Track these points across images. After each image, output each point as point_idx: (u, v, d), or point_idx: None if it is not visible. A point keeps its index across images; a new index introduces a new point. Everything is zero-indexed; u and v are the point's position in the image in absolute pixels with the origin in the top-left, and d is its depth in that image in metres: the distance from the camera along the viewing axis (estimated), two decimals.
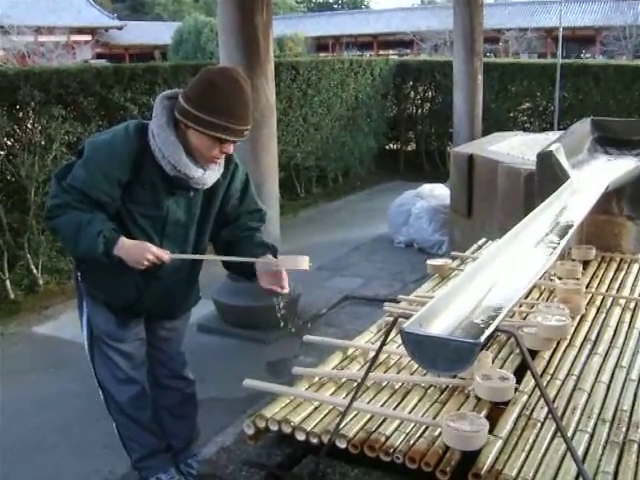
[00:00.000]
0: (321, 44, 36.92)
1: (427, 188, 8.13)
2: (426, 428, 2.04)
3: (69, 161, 2.91)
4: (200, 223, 2.94)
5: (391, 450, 1.93)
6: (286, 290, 2.82)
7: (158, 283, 2.92)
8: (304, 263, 2.76)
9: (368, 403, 2.20)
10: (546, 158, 3.61)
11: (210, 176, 2.79)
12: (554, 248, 2.40)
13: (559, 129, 9.24)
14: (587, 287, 3.16)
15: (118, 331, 3.04)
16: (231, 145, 2.70)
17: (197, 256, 2.95)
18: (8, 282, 6.09)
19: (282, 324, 4.76)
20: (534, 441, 1.96)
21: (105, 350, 3.06)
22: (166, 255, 2.75)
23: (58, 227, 2.75)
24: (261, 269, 2.82)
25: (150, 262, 2.71)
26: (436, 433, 1.99)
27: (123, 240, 2.71)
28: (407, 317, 1.68)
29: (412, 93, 12.62)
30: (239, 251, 2.92)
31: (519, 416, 2.09)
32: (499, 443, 1.93)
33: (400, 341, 2.48)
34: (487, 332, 1.59)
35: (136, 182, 2.72)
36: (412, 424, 2.06)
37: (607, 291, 3.17)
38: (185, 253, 2.89)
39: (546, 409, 2.08)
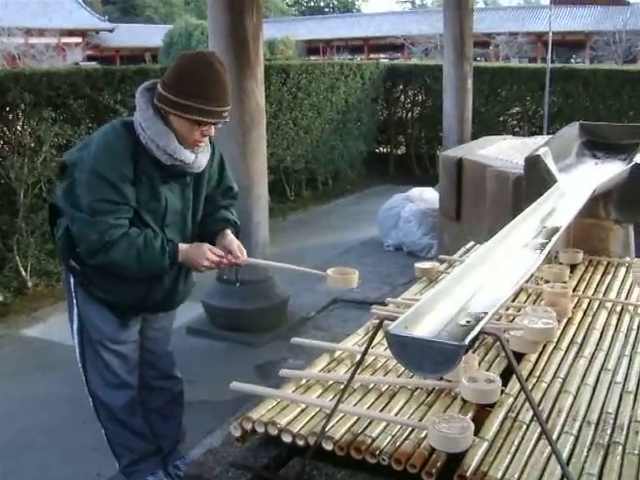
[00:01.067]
0: (312, 47, 36.99)
1: (416, 192, 8.15)
2: (412, 430, 2.04)
3: (63, 186, 2.84)
4: (194, 208, 2.99)
5: (377, 452, 1.94)
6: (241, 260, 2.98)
7: (168, 274, 2.94)
8: (353, 281, 2.84)
9: (354, 405, 2.20)
10: (534, 162, 3.62)
11: (202, 159, 2.86)
12: (541, 251, 2.41)
13: (548, 133, 9.26)
14: (574, 290, 3.17)
15: (119, 332, 3.05)
16: (211, 127, 2.74)
17: (266, 262, 2.99)
18: None
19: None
20: (519, 443, 1.97)
21: (102, 354, 3.05)
22: (224, 260, 2.84)
23: (116, 260, 2.70)
24: (220, 242, 2.96)
25: (207, 268, 2.82)
26: (422, 435, 1.99)
27: (181, 247, 2.77)
28: (393, 319, 1.68)
29: (402, 97, 12.65)
30: (201, 226, 3.03)
31: (505, 418, 2.10)
32: (485, 445, 1.94)
33: (387, 344, 2.49)
34: (472, 334, 1.60)
35: (135, 178, 2.73)
36: (398, 426, 2.07)
37: (594, 294, 3.18)
38: (185, 240, 2.92)
39: (532, 411, 2.08)
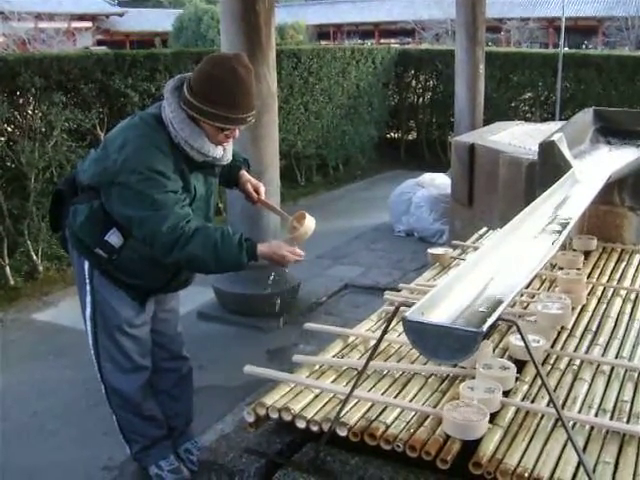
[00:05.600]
0: (323, 32, 36.84)
1: (428, 177, 8.11)
2: (427, 417, 2.03)
3: (110, 196, 2.74)
4: (214, 191, 3.05)
5: (391, 439, 1.93)
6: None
7: None
8: (312, 226, 2.91)
9: (369, 391, 2.20)
10: (548, 148, 3.60)
11: (229, 152, 2.94)
12: (557, 238, 2.39)
13: (560, 119, 9.21)
14: (588, 278, 3.15)
15: (137, 316, 3.08)
16: (236, 130, 2.78)
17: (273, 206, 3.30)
18: (8, 268, 6.08)
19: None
20: (535, 430, 1.96)
21: (118, 339, 3.05)
22: (301, 252, 2.84)
23: (193, 254, 2.66)
24: (243, 184, 3.16)
25: (291, 261, 2.83)
26: (437, 422, 1.99)
27: (261, 247, 2.76)
28: (409, 305, 1.67)
29: (413, 82, 12.56)
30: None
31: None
32: (500, 432, 1.93)
33: (401, 330, 2.48)
34: (489, 321, 1.58)
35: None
36: (413, 413, 2.06)
37: (608, 282, 3.17)
38: (207, 220, 2.96)
39: (547, 398, 2.08)
